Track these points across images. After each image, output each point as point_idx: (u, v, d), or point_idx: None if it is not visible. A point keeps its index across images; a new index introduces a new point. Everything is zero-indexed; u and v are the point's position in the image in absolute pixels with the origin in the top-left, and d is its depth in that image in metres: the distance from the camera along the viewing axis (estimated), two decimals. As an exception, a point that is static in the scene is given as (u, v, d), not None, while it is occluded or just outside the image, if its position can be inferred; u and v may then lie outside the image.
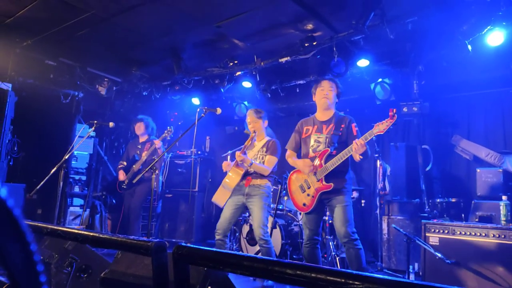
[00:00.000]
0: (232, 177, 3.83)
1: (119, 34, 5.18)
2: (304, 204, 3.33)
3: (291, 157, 3.55)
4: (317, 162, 3.28)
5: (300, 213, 5.34)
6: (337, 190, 3.22)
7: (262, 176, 3.81)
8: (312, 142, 3.38)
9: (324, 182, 3.22)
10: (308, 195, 3.31)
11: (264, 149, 3.90)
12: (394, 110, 2.96)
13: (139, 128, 5.54)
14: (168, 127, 5.16)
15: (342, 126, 3.33)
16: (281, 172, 5.22)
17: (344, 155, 3.12)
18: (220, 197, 3.87)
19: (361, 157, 3.12)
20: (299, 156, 3.58)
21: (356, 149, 3.00)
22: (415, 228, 4.52)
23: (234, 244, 5.40)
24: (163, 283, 1.23)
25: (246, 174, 3.82)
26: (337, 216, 3.17)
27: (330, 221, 4.94)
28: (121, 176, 5.41)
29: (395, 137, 5.61)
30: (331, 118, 3.41)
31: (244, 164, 3.75)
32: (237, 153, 3.73)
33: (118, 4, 4.33)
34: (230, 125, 7.60)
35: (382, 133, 2.98)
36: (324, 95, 3.40)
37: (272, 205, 5.22)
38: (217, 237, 3.74)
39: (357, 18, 4.13)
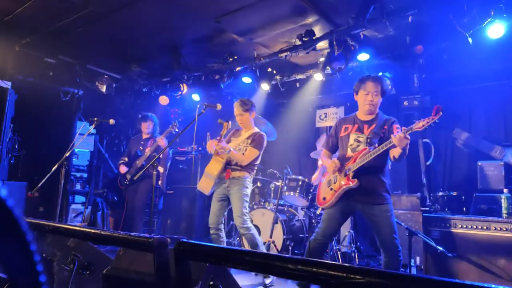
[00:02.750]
0: (213, 166, 3.91)
1: (118, 31, 5.17)
2: (324, 198, 3.10)
3: (325, 156, 3.31)
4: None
5: (302, 209, 5.35)
6: (375, 197, 2.94)
7: (241, 168, 3.86)
8: (351, 141, 3.09)
9: (350, 178, 2.95)
10: (331, 189, 3.06)
11: (249, 140, 3.94)
12: (440, 108, 2.63)
13: (148, 126, 5.51)
14: (173, 122, 5.16)
15: (385, 127, 3.06)
16: (282, 168, 5.22)
17: (379, 149, 2.84)
18: (204, 185, 3.96)
19: (400, 151, 2.81)
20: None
21: (398, 140, 2.68)
22: (416, 222, 4.53)
23: (236, 239, 5.42)
24: (165, 279, 1.24)
25: (227, 165, 3.87)
26: (382, 230, 2.90)
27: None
28: (122, 168, 5.39)
29: (396, 131, 5.60)
30: (374, 119, 3.13)
31: (222, 152, 3.80)
32: (214, 142, 3.77)
33: (116, 0, 4.32)
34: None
35: (420, 129, 2.70)
36: (368, 101, 3.07)
37: (273, 201, 5.24)
38: (211, 231, 3.86)
39: (357, 12, 4.11)
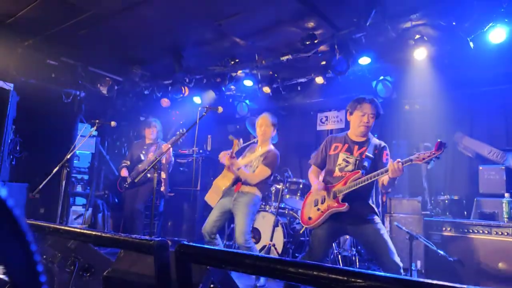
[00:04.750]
0: (222, 181, 3.82)
1: (120, 33, 5.18)
2: (309, 218, 3.04)
3: (313, 174, 3.27)
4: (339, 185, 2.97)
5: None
6: (362, 218, 2.89)
7: (252, 184, 3.76)
8: (340, 160, 3.06)
9: (339, 201, 2.90)
10: (318, 209, 3.00)
11: (262, 158, 3.85)
12: (443, 144, 2.55)
13: (152, 132, 5.52)
14: (181, 130, 5.13)
15: (376, 151, 3.05)
16: (283, 171, 5.21)
17: (372, 176, 2.81)
18: (211, 197, 3.88)
19: (389, 178, 2.75)
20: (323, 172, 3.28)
21: (393, 170, 2.65)
22: (417, 225, 4.52)
23: (236, 243, 5.40)
24: (165, 281, 1.23)
25: (237, 180, 3.78)
26: (377, 248, 2.82)
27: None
28: (124, 172, 5.39)
29: (397, 135, 5.60)
30: (365, 141, 3.09)
31: (232, 168, 3.71)
32: (226, 156, 3.69)
33: (118, 3, 4.33)
34: (232, 124, 7.60)
35: (420, 162, 2.66)
36: (364, 123, 3.03)
37: (274, 203, 5.23)
38: (205, 239, 3.69)
39: (358, 16, 4.12)
